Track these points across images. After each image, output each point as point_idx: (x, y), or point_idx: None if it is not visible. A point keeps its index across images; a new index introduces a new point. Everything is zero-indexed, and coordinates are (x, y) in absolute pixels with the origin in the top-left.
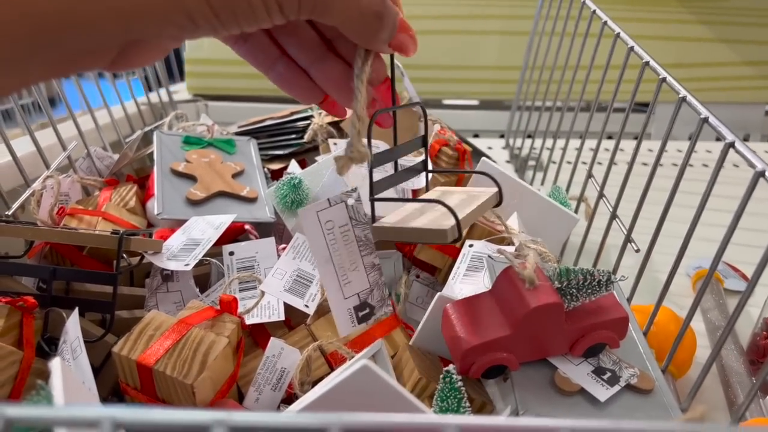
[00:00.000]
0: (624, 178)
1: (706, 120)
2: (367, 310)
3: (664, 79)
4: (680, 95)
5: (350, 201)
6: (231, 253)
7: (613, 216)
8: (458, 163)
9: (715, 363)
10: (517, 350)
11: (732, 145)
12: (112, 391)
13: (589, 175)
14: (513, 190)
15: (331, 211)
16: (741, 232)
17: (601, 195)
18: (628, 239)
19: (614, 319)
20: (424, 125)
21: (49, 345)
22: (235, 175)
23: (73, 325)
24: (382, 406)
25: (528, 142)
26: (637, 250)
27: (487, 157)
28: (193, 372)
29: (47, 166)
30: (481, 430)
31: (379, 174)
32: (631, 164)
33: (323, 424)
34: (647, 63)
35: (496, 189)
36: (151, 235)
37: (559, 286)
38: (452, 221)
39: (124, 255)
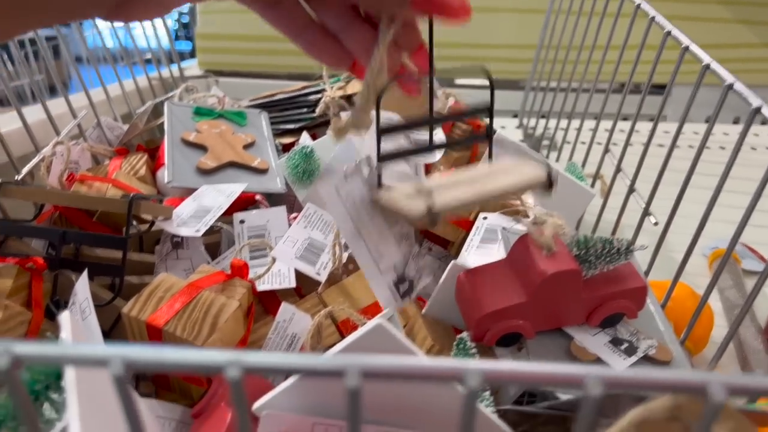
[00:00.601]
0: (642, 153)
1: (730, 87)
2: (407, 285)
3: (686, 48)
4: (704, 63)
5: (365, 170)
6: (242, 221)
7: (631, 190)
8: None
9: (733, 340)
10: (532, 318)
11: (758, 110)
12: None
13: (606, 150)
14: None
15: (349, 184)
16: (758, 214)
17: (618, 169)
18: (646, 212)
19: (632, 289)
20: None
21: (57, 308)
22: (246, 147)
23: (82, 286)
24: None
25: (542, 122)
26: (656, 223)
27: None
28: (204, 333)
29: (57, 134)
30: (504, 375)
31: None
32: (649, 139)
33: (341, 366)
34: (669, 33)
35: (543, 172)
36: (161, 202)
37: (578, 253)
38: (437, 204)
39: (134, 222)
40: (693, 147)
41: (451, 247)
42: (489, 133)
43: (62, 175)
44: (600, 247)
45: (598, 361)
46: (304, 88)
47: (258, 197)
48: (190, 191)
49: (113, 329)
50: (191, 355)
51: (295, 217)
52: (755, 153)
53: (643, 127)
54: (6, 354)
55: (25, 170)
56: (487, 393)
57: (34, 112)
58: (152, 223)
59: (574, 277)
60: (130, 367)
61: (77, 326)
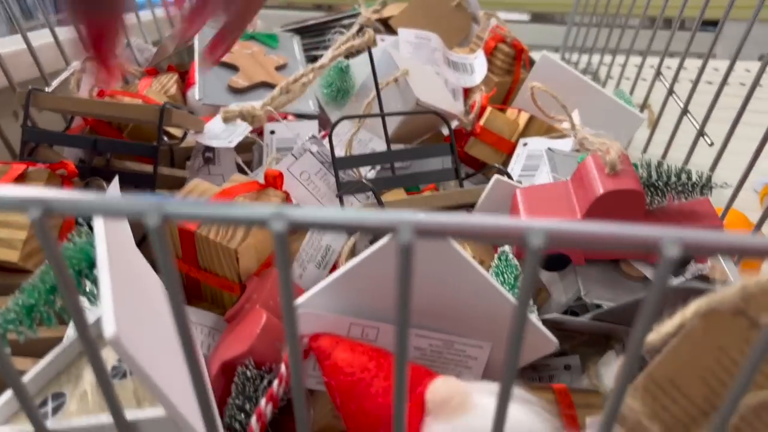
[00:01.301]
0: (694, 81)
1: None
2: None
3: None
4: None
5: (314, 148)
6: (272, 132)
7: (684, 111)
8: (514, 62)
9: None
10: None
11: None
12: (152, 265)
13: (658, 73)
14: (574, 86)
15: (301, 163)
16: None
17: (670, 92)
18: (701, 133)
19: (705, 227)
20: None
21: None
22: (278, 68)
23: (113, 192)
24: (441, 264)
25: (584, 57)
26: (711, 144)
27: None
28: (238, 237)
29: None
30: (569, 235)
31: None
32: (701, 70)
33: (392, 222)
34: None
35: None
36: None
37: (646, 176)
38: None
39: (165, 137)
40: (745, 85)
41: (490, 174)
42: (457, 171)
43: (92, 91)
44: (673, 175)
45: (646, 280)
46: (338, 13)
47: (290, 117)
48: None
49: (143, 242)
50: (233, 209)
51: (324, 135)
52: None
53: (691, 64)
54: (39, 204)
55: (55, 83)
56: (530, 300)
57: (65, 31)
58: (184, 136)
59: (635, 199)
60: (167, 219)
61: (111, 226)
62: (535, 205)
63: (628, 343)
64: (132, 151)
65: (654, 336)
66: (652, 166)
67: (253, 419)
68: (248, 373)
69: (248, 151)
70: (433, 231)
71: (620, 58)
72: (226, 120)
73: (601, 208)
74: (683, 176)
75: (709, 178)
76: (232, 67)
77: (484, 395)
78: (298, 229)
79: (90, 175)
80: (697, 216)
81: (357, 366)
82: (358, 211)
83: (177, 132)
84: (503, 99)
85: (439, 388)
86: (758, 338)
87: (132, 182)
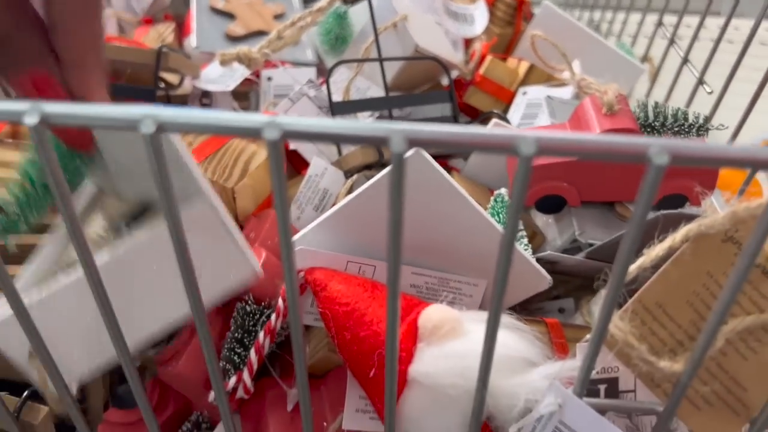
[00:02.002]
0: (696, 28)
1: None
2: None
3: None
4: None
5: (311, 93)
6: (269, 79)
7: (685, 60)
8: (516, 13)
9: None
10: (579, 183)
11: None
12: None
13: (659, 24)
14: (575, 36)
15: (298, 108)
16: None
17: (671, 41)
18: (700, 81)
19: (699, 170)
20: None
21: None
22: (276, 17)
23: None
24: (434, 196)
25: (586, 14)
26: (710, 92)
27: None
28: (234, 177)
29: None
30: (560, 144)
31: None
32: (702, 18)
33: (385, 131)
34: None
35: None
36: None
37: (642, 116)
38: None
39: (162, 84)
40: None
41: (488, 121)
42: (456, 119)
43: None
44: (670, 116)
45: None
46: None
47: (287, 66)
48: None
49: None
50: (230, 117)
51: (323, 82)
52: None
53: (695, 22)
54: (35, 111)
55: None
56: (525, 239)
57: None
58: (180, 82)
59: None
60: (162, 127)
61: None
62: None
63: (617, 257)
64: (129, 94)
65: (644, 259)
66: (649, 108)
67: (252, 352)
68: (248, 308)
69: (245, 100)
70: (425, 140)
71: (623, 16)
72: (223, 63)
73: None
74: (680, 117)
75: (706, 119)
76: (229, 15)
77: (475, 322)
78: (292, 138)
79: None
80: None
81: (352, 296)
82: (350, 121)
83: (174, 80)
84: (504, 51)
85: (432, 314)
86: (740, 260)
87: None
